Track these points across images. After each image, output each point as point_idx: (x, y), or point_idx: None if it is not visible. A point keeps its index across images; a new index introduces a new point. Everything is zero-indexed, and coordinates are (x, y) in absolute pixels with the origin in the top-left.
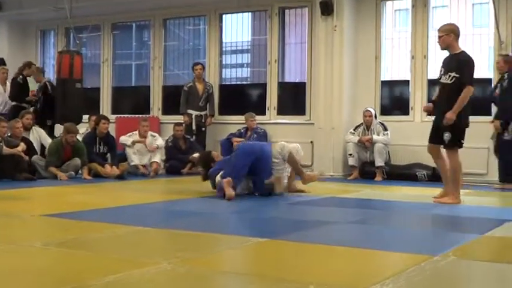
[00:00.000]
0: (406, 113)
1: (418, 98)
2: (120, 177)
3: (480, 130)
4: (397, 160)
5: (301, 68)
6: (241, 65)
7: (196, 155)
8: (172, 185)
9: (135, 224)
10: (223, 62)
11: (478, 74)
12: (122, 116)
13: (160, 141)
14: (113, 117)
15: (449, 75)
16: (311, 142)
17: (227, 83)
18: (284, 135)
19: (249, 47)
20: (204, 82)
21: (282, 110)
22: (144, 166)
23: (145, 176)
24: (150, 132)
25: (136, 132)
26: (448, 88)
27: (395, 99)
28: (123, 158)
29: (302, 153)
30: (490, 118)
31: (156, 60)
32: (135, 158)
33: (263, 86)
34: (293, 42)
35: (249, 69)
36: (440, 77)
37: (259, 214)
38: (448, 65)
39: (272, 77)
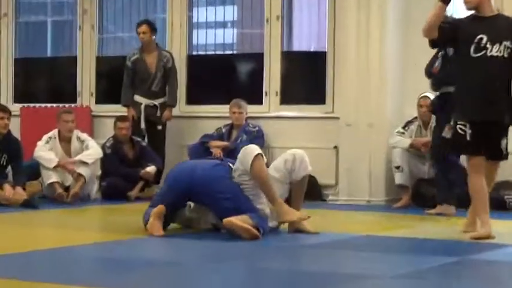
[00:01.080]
0: None
1: None
2: (29, 204)
3: None
4: None
5: (319, 30)
6: (223, 25)
7: (151, 168)
8: (112, 216)
9: (54, 280)
10: (194, 20)
11: None
12: (31, 105)
13: (93, 150)
14: (16, 108)
15: (505, 46)
16: (335, 148)
17: (200, 52)
18: (291, 136)
19: None
20: (157, 52)
21: (288, 97)
22: (67, 188)
23: (68, 203)
24: (76, 133)
25: (55, 133)
26: (503, 66)
27: None
28: (34, 172)
29: (309, 167)
30: None
31: (86, 15)
32: (52, 173)
33: (258, 58)
34: None
35: (235, 30)
36: (483, 50)
37: (252, 264)
38: (496, 31)
39: (272, 45)
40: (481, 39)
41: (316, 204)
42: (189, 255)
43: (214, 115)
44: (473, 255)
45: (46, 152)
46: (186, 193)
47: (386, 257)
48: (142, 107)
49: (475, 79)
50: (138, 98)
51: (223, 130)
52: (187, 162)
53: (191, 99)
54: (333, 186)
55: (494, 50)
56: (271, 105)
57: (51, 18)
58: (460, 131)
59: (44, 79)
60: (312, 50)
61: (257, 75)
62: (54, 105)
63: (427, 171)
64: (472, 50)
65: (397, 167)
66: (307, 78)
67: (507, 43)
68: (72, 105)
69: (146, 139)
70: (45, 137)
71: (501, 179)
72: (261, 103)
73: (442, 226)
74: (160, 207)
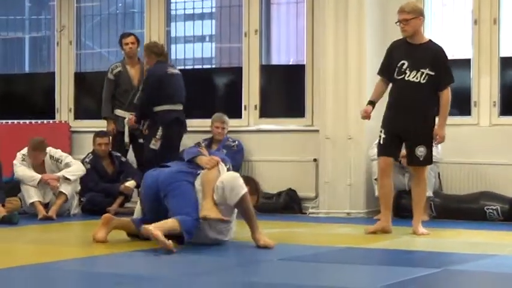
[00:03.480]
0: (466, 111)
1: (485, 88)
2: (8, 220)
3: None
4: (453, 188)
5: (298, 43)
6: (201, 39)
7: (130, 183)
8: (92, 231)
9: None
10: (172, 35)
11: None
12: (8, 122)
13: (76, 167)
14: None
15: (422, 73)
16: (314, 160)
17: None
18: (271, 149)
19: (213, 10)
20: (140, 64)
21: (267, 111)
22: (47, 205)
23: (48, 219)
24: (48, 151)
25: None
26: (419, 89)
27: None
28: (13, 188)
29: (241, 191)
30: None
31: (64, 31)
32: (34, 193)
33: (237, 72)
34: (284, 1)
35: (213, 44)
36: (403, 74)
37: (235, 278)
38: (416, 59)
39: (251, 58)
40: (403, 64)
41: (296, 217)
42: (169, 270)
43: (193, 129)
44: (455, 266)
45: (26, 169)
46: (157, 199)
47: (368, 269)
48: (126, 121)
49: (393, 97)
50: (120, 112)
51: (203, 144)
52: (155, 170)
53: None
54: (313, 199)
55: (412, 76)
56: (250, 118)
57: (29, 35)
58: (380, 136)
59: (22, 95)
60: (290, 63)
61: (236, 89)
62: (33, 121)
63: (407, 183)
64: (395, 73)
65: (377, 179)
66: (286, 91)
67: (425, 70)
68: (51, 121)
69: (127, 154)
70: (19, 155)
71: (481, 190)
72: (240, 117)
73: (422, 237)
74: (106, 216)
